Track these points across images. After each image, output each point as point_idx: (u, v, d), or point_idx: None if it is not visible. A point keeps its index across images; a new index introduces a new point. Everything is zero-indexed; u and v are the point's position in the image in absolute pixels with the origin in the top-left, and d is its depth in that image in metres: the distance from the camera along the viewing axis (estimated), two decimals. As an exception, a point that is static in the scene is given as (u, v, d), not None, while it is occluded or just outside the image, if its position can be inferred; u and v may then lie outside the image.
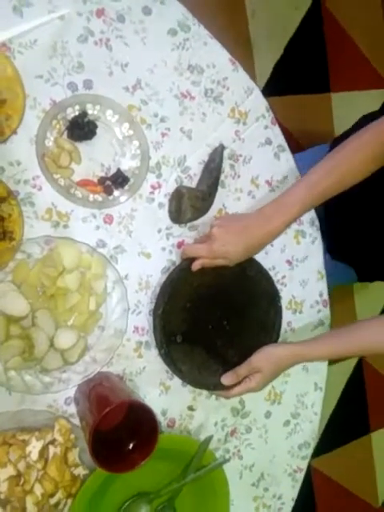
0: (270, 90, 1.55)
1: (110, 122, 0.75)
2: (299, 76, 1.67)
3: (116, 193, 0.75)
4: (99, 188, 0.74)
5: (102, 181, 0.74)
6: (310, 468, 0.98)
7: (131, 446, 0.71)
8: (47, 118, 0.70)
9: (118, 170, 0.75)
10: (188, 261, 0.78)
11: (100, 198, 0.74)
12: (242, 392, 0.79)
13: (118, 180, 0.75)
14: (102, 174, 0.75)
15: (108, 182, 0.75)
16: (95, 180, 0.74)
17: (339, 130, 1.73)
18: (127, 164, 0.76)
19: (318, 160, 0.92)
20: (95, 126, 0.73)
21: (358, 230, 0.97)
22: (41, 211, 0.72)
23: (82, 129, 0.71)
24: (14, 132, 0.68)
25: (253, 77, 0.87)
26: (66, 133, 0.72)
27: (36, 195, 0.71)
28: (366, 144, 0.74)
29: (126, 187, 0.76)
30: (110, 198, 0.75)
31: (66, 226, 0.73)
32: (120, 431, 0.73)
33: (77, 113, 0.72)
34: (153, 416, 0.68)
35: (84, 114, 0.72)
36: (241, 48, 1.52)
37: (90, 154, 0.74)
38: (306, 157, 0.98)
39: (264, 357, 0.78)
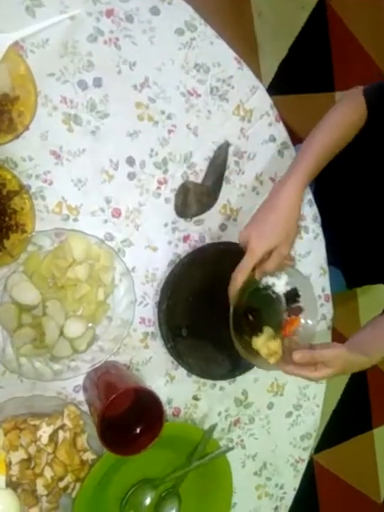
0: (274, 89, 1.55)
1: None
2: (304, 75, 1.68)
3: (124, 187, 0.78)
4: (108, 183, 0.77)
5: (110, 176, 0.77)
6: (312, 462, 0.99)
7: (138, 430, 0.73)
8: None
9: (126, 166, 0.77)
10: (189, 256, 0.78)
11: (108, 193, 0.77)
12: (301, 376, 0.75)
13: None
14: (111, 170, 0.77)
15: (116, 177, 0.77)
16: (104, 175, 0.77)
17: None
18: (135, 160, 0.78)
19: None
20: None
21: (350, 232, 0.96)
22: (51, 205, 0.74)
23: (91, 125, 0.74)
24: (27, 128, 0.70)
25: (258, 76, 0.88)
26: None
27: (47, 189, 0.73)
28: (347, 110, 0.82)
29: (134, 182, 0.78)
30: (118, 192, 0.77)
31: (75, 220, 0.75)
32: (127, 417, 0.75)
33: (87, 110, 0.74)
34: (158, 400, 0.70)
35: (94, 111, 0.74)
36: (246, 47, 1.53)
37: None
38: None
39: (341, 360, 0.74)
